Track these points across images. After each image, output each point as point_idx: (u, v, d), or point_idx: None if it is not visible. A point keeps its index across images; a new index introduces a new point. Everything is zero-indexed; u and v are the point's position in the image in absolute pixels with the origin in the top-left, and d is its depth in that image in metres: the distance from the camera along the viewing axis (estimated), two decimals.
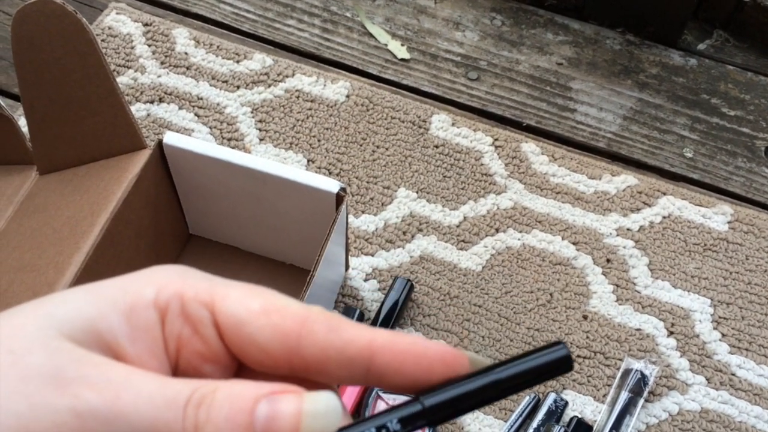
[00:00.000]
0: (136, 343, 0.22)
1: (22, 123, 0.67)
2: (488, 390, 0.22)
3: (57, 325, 0.21)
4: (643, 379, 0.61)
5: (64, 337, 0.21)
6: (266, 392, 0.21)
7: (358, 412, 0.59)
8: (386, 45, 0.82)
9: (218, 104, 0.76)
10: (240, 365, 0.24)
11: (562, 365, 0.22)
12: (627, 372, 0.62)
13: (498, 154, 0.74)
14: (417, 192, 0.72)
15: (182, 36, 0.80)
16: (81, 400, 0.20)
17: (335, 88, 0.77)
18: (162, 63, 0.78)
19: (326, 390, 0.21)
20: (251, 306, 0.22)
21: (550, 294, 0.67)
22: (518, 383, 0.22)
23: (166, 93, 0.76)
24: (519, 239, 0.69)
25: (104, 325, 0.22)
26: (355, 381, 0.23)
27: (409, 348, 0.22)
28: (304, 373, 0.22)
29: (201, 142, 0.55)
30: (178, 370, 0.23)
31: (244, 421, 0.20)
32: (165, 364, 0.23)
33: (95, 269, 0.52)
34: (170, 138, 0.55)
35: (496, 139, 0.75)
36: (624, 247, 0.69)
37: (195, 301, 0.22)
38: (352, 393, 0.59)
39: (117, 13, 0.81)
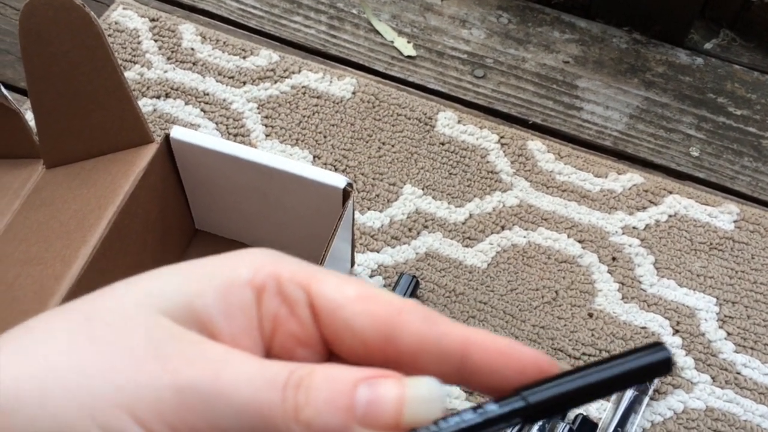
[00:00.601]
0: (231, 322, 0.22)
1: (29, 117, 0.67)
2: (590, 390, 0.22)
3: (154, 302, 0.21)
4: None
5: (161, 313, 0.21)
6: (365, 376, 0.20)
7: None
8: (392, 42, 0.82)
9: (224, 100, 0.76)
10: (330, 354, 0.23)
11: (664, 367, 0.22)
12: None
13: (504, 151, 0.74)
14: (423, 189, 0.72)
15: (189, 32, 0.80)
16: (181, 376, 0.20)
17: (341, 84, 0.77)
18: (168, 58, 0.78)
19: (427, 376, 0.21)
20: (348, 292, 0.22)
21: (556, 292, 0.67)
22: (619, 384, 0.22)
23: (172, 88, 0.76)
24: (525, 237, 0.69)
25: (200, 303, 0.22)
26: (444, 376, 0.22)
27: (505, 349, 0.22)
28: (395, 364, 0.22)
29: (208, 137, 0.56)
30: (271, 352, 0.23)
31: (344, 404, 0.20)
32: (258, 345, 0.22)
33: (102, 263, 0.52)
34: (177, 132, 0.56)
35: (502, 137, 0.75)
36: (630, 246, 0.69)
37: (292, 282, 0.22)
38: None
39: (123, 9, 0.81)
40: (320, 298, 0.22)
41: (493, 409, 0.21)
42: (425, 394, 0.20)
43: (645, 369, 0.22)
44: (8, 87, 0.78)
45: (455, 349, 0.22)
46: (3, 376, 0.20)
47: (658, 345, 0.22)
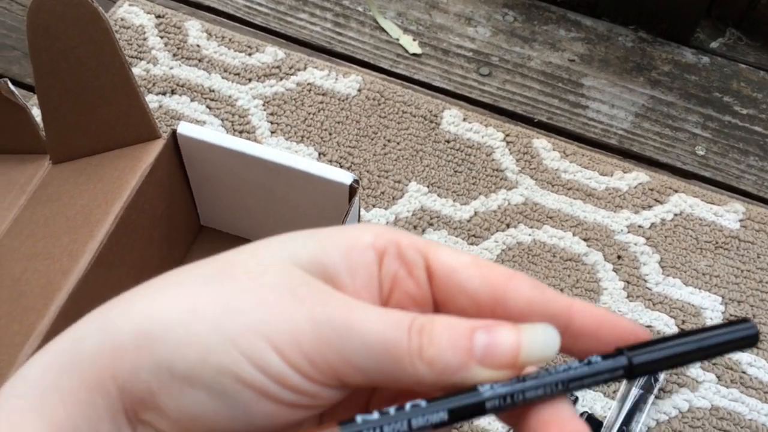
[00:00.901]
0: (354, 279, 0.24)
1: (35, 113, 0.67)
2: (684, 356, 0.24)
3: (287, 255, 0.23)
4: (653, 376, 0.61)
5: (294, 265, 0.23)
6: (482, 324, 0.23)
7: None
8: (398, 40, 0.82)
9: (230, 97, 0.76)
10: None
11: (751, 341, 0.24)
12: None
13: (509, 149, 0.74)
14: (428, 186, 0.72)
15: (194, 28, 0.80)
16: (317, 312, 0.22)
17: (347, 82, 0.77)
18: (174, 55, 0.78)
19: (542, 322, 0.23)
20: (462, 258, 0.24)
21: (561, 290, 0.67)
22: (710, 352, 0.24)
23: (178, 85, 0.76)
24: (530, 235, 0.69)
25: (327, 260, 0.24)
26: None
27: (606, 315, 0.24)
28: None
29: (215, 133, 0.56)
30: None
31: (464, 345, 0.22)
32: (376, 301, 0.24)
33: (109, 257, 0.52)
34: (184, 128, 0.56)
35: (507, 135, 0.75)
36: (635, 244, 0.69)
37: (411, 248, 0.24)
38: None
39: (130, 5, 0.81)
40: (437, 262, 0.24)
41: (598, 361, 0.23)
42: (541, 336, 0.22)
43: (734, 341, 0.24)
44: (14, 83, 0.78)
45: (561, 314, 0.24)
46: (151, 309, 0.22)
47: (746, 321, 0.24)
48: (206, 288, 0.23)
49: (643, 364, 0.23)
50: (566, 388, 0.23)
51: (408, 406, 0.22)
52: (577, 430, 0.22)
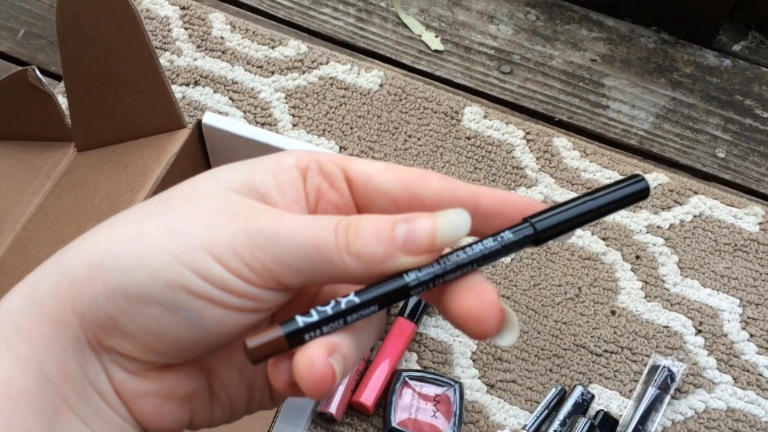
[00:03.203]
0: (283, 195, 0.27)
1: (61, 101, 0.68)
2: (583, 216, 0.26)
3: (220, 181, 0.26)
4: (670, 376, 0.61)
5: (227, 189, 0.26)
6: (403, 216, 0.25)
7: (384, 397, 0.60)
8: (420, 36, 0.82)
9: (253, 89, 0.76)
10: None
11: (642, 194, 0.27)
12: (654, 368, 0.62)
13: (529, 147, 0.74)
14: None
15: (218, 20, 0.80)
16: (250, 223, 0.25)
17: (369, 77, 0.78)
18: (198, 46, 0.79)
19: (454, 208, 0.25)
20: (377, 165, 0.27)
21: (579, 288, 0.67)
22: (606, 210, 0.26)
23: (201, 76, 0.77)
24: None
25: (257, 181, 0.26)
26: None
27: (508, 195, 0.27)
28: None
29: (239, 123, 0.56)
30: None
31: (387, 236, 0.24)
32: (305, 213, 0.27)
33: None
34: (209, 118, 0.56)
35: (527, 133, 0.75)
36: (654, 245, 0.69)
37: (330, 163, 0.27)
38: (378, 378, 0.60)
39: None
40: (354, 171, 0.27)
41: (508, 235, 0.26)
42: (453, 218, 0.25)
43: (628, 196, 0.27)
44: (40, 71, 0.79)
45: (468, 198, 0.26)
46: (101, 244, 0.25)
47: (637, 176, 0.27)
48: (148, 218, 0.25)
49: (547, 228, 0.26)
50: (481, 262, 0.25)
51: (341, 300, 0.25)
52: (485, 289, 0.25)
